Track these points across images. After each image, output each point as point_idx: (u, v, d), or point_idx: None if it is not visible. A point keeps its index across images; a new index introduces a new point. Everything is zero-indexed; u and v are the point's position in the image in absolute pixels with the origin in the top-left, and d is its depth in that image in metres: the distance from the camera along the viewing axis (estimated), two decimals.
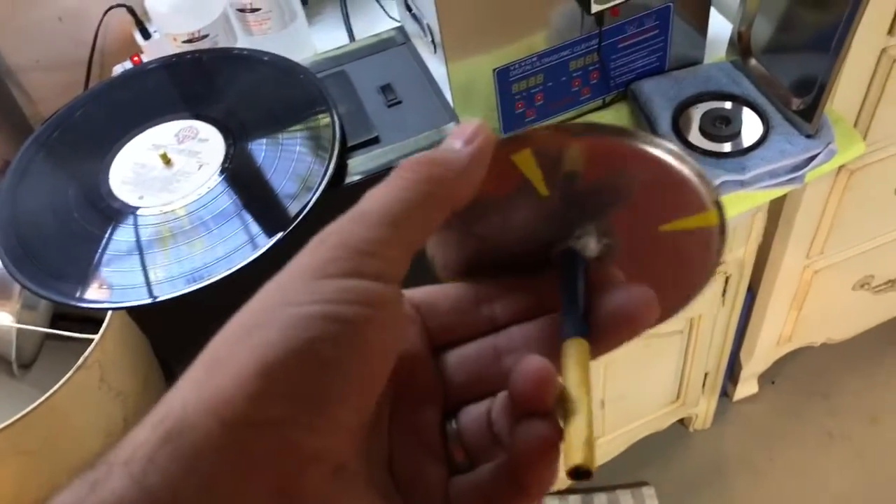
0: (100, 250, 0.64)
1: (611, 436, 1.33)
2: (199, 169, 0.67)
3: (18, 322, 0.96)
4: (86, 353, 0.89)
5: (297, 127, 0.68)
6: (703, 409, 1.45)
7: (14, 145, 1.12)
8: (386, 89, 0.73)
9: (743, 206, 0.86)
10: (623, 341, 0.26)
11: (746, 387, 1.52)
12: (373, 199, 0.25)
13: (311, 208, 0.62)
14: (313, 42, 1.08)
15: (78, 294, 0.62)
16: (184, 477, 0.20)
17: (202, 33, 0.96)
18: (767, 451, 1.48)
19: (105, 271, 0.63)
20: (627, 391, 1.23)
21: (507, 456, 0.25)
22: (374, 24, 1.09)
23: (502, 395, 0.26)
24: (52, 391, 0.85)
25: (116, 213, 0.65)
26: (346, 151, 0.68)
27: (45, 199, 0.68)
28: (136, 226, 0.64)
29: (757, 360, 1.41)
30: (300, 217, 0.62)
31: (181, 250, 0.62)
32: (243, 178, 0.66)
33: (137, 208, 0.65)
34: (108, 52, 1.12)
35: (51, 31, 1.09)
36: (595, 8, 0.75)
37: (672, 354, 1.21)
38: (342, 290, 0.23)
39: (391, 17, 1.09)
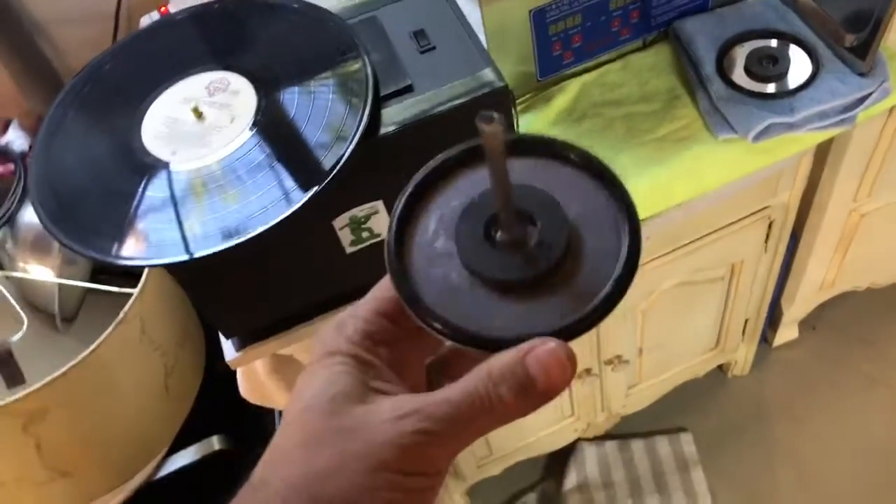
0: (135, 206, 0.63)
1: (648, 383, 1.32)
2: (232, 122, 0.66)
3: (59, 276, 0.97)
4: (126, 307, 0.89)
5: (329, 76, 0.66)
6: (742, 356, 1.43)
7: (47, 100, 1.11)
8: (419, 35, 0.70)
9: (791, 149, 0.83)
10: None
11: (786, 332, 1.49)
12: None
13: (346, 160, 0.61)
14: None
15: (115, 250, 0.62)
16: None
17: None
18: (807, 398, 1.46)
19: (141, 227, 0.63)
20: (666, 339, 1.21)
21: None
22: None
23: None
24: (94, 345, 0.86)
25: (150, 168, 0.64)
26: (379, 101, 0.66)
27: (79, 156, 0.67)
28: (170, 181, 0.63)
29: (798, 306, 1.38)
30: (335, 170, 0.60)
31: (216, 205, 0.61)
32: (276, 131, 0.64)
33: (170, 163, 0.64)
34: (135, 2, 1.11)
35: None
36: None
37: (712, 301, 1.19)
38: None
39: None
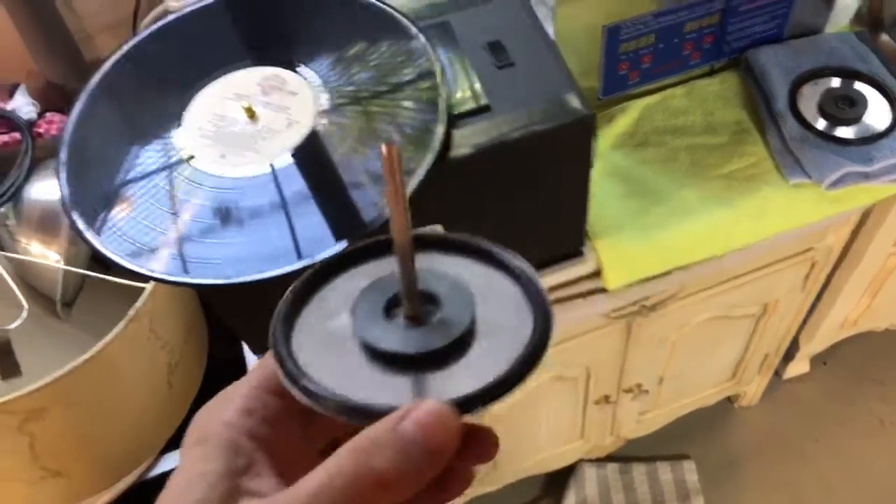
0: (175, 215, 0.57)
1: (660, 410, 1.28)
2: (289, 127, 0.59)
3: (65, 259, 0.90)
4: (137, 304, 0.83)
5: (400, 90, 0.60)
6: (753, 387, 1.40)
7: (59, 64, 1.04)
8: (496, 48, 0.64)
9: (864, 199, 0.78)
10: None
11: (798, 366, 1.46)
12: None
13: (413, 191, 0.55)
14: None
15: (149, 262, 0.56)
16: None
17: None
18: (814, 433, 1.44)
19: (177, 239, 0.57)
20: (687, 369, 1.17)
21: None
22: None
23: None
24: (101, 344, 0.80)
25: (202, 173, 0.58)
26: (452, 120, 0.60)
27: (113, 150, 0.61)
28: (214, 189, 0.57)
29: (816, 343, 1.35)
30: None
31: (270, 223, 0.56)
32: (336, 144, 0.58)
33: (217, 169, 0.58)
34: None
35: None
36: None
37: (739, 336, 1.15)
38: None
39: None
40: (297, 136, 0.59)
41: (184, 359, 0.98)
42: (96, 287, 1.06)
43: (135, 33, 1.03)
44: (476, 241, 0.31)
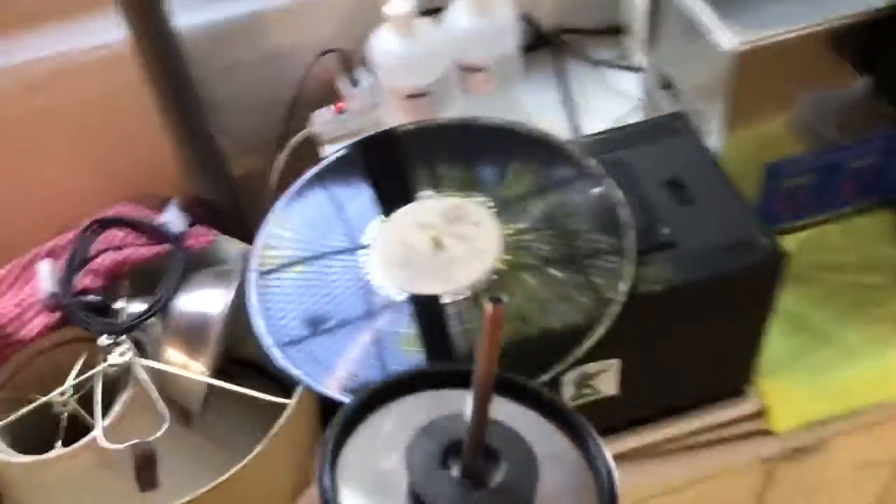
0: (362, 339, 0.58)
1: None
2: (474, 256, 0.60)
3: (209, 372, 0.90)
4: (280, 421, 0.83)
5: (582, 228, 0.61)
6: None
7: (208, 179, 1.08)
8: (675, 184, 0.65)
9: None
10: None
11: None
12: None
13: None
14: (526, 105, 1.02)
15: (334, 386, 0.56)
16: None
17: (427, 89, 0.91)
18: None
19: (361, 364, 0.57)
20: None
21: None
22: (585, 87, 1.02)
23: None
24: (248, 458, 0.79)
25: (387, 300, 0.59)
26: (638, 256, 0.60)
27: (307, 274, 0.62)
28: (415, 317, 0.58)
29: None
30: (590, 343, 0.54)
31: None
32: (528, 275, 0.59)
33: (405, 296, 0.59)
34: (306, 96, 1.09)
35: (256, 70, 1.06)
36: None
37: (875, 484, 1.09)
38: None
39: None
40: (485, 264, 0.59)
41: (307, 474, 0.96)
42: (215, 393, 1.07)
43: (279, 152, 1.08)
44: (553, 399, 0.30)
